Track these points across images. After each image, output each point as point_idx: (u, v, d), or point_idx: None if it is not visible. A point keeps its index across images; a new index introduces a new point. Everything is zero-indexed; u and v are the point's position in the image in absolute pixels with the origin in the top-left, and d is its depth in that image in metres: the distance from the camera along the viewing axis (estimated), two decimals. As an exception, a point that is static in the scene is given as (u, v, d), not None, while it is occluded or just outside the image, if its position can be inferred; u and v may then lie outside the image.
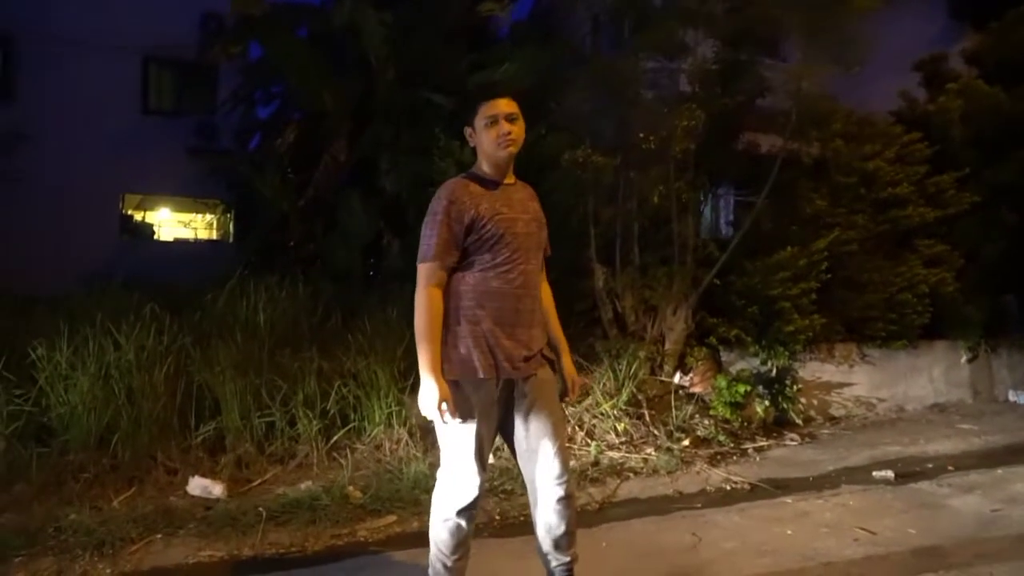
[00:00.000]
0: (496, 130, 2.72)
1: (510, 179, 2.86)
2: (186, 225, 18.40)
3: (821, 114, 6.47)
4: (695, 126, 5.75)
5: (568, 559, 2.88)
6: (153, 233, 16.94)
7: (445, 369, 2.67)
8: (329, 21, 9.16)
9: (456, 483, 2.74)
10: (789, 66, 5.98)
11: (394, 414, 5.29)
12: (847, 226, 7.09)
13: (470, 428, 2.69)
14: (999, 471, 5.48)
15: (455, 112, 9.00)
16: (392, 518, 4.24)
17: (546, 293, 3.01)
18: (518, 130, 2.76)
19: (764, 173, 7.06)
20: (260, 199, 10.80)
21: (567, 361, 3.02)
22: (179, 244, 17.00)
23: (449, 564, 2.78)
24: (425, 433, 5.44)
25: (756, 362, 6.88)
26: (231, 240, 16.38)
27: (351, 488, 4.49)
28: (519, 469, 3.43)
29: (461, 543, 2.79)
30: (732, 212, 9.28)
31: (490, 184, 2.79)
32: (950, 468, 5.59)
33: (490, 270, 2.72)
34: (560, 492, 2.80)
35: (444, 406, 2.60)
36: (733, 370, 6.77)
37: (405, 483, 4.60)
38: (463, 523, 2.76)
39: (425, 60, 9.59)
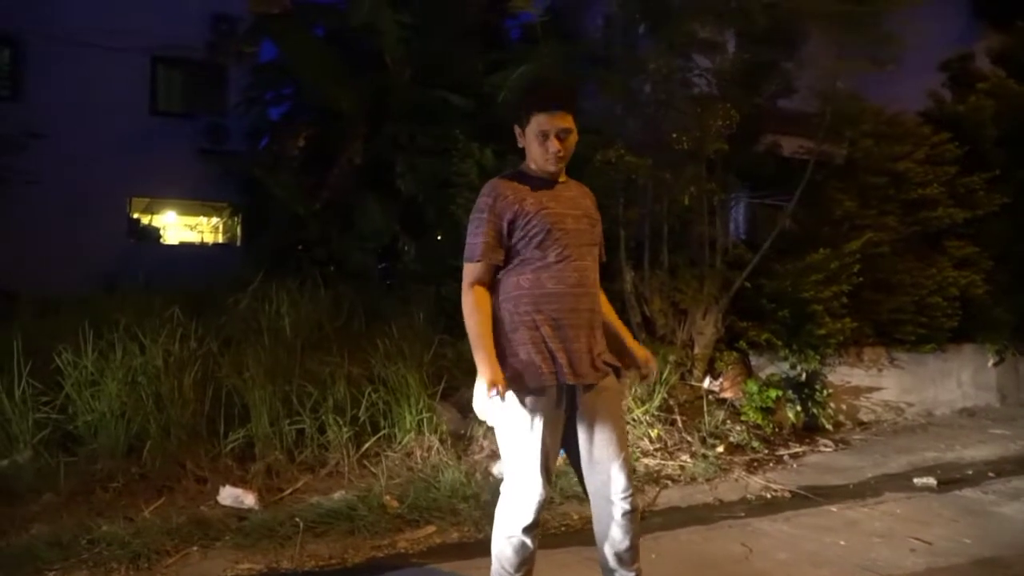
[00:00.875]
0: (546, 146, 2.65)
1: (562, 178, 2.78)
2: (192, 228, 18.29)
3: (853, 113, 6.35)
4: (729, 126, 5.64)
5: (633, 574, 2.77)
6: (160, 236, 16.83)
7: (506, 377, 2.58)
8: (345, 20, 9.04)
9: (521, 497, 2.63)
10: (825, 63, 5.86)
11: (425, 421, 5.17)
12: (877, 227, 6.98)
13: (535, 439, 2.60)
14: (1041, 478, 5.37)
15: (473, 113, 8.91)
16: (431, 528, 4.12)
17: (603, 298, 2.89)
18: (568, 145, 2.69)
19: (789, 174, 6.97)
20: (273, 202, 10.69)
21: (632, 343, 2.89)
22: (186, 247, 16.88)
23: None
24: (456, 440, 5.34)
25: (785, 366, 6.76)
26: (239, 243, 16.29)
27: (387, 497, 4.37)
28: (557, 479, 3.26)
29: (525, 560, 2.68)
30: (745, 215, 9.15)
31: (536, 181, 2.72)
32: (991, 475, 5.47)
33: (543, 270, 2.63)
34: (626, 506, 2.68)
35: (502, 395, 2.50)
36: (762, 375, 6.66)
37: (442, 492, 4.48)
38: (527, 540, 2.65)
39: (441, 60, 9.48)
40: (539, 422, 2.60)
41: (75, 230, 13.59)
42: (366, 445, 4.97)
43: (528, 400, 2.60)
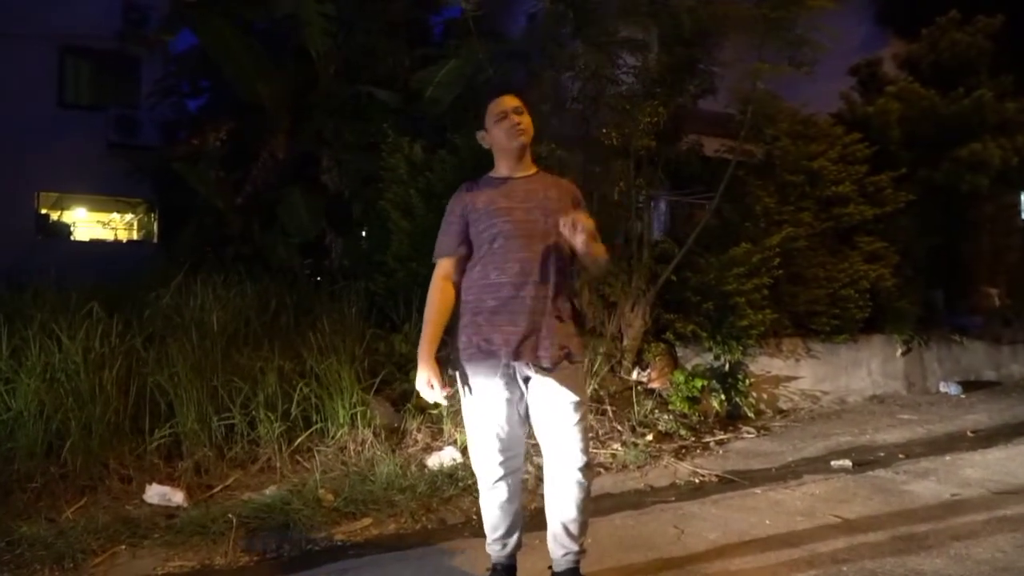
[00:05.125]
0: (507, 123, 2.85)
1: (526, 171, 2.92)
2: (105, 225, 17.59)
3: (772, 113, 6.61)
4: (657, 123, 5.78)
5: (578, 547, 2.85)
6: (70, 232, 16.12)
7: (453, 358, 2.83)
8: (269, 11, 8.85)
9: (479, 469, 2.90)
10: (746, 65, 6.07)
11: (358, 415, 5.13)
12: (794, 223, 7.28)
13: (480, 415, 2.82)
14: (947, 458, 5.70)
15: (400, 109, 8.86)
16: (367, 521, 4.10)
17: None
18: (527, 121, 2.89)
19: (711, 173, 7.20)
20: (192, 197, 10.38)
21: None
22: (99, 244, 16.21)
23: (488, 541, 2.96)
24: (390, 433, 5.31)
25: (709, 357, 6.98)
26: (155, 240, 15.74)
27: (322, 491, 4.31)
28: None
29: (496, 524, 2.91)
30: (669, 211, 9.37)
31: (495, 181, 2.92)
32: (901, 456, 5.77)
33: (489, 261, 2.80)
34: (579, 478, 2.78)
35: (434, 383, 2.75)
36: (688, 365, 6.85)
37: (377, 484, 4.46)
38: (491, 503, 2.89)
39: (368, 55, 9.39)
40: (483, 399, 2.78)
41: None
42: (298, 440, 4.90)
43: (472, 379, 2.79)
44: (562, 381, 2.76)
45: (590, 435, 5.53)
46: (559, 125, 6.22)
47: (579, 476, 2.76)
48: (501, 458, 2.82)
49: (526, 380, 2.78)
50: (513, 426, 2.81)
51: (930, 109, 7.86)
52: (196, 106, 12.37)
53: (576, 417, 2.76)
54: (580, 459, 2.76)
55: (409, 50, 9.47)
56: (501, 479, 2.84)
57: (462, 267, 2.85)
